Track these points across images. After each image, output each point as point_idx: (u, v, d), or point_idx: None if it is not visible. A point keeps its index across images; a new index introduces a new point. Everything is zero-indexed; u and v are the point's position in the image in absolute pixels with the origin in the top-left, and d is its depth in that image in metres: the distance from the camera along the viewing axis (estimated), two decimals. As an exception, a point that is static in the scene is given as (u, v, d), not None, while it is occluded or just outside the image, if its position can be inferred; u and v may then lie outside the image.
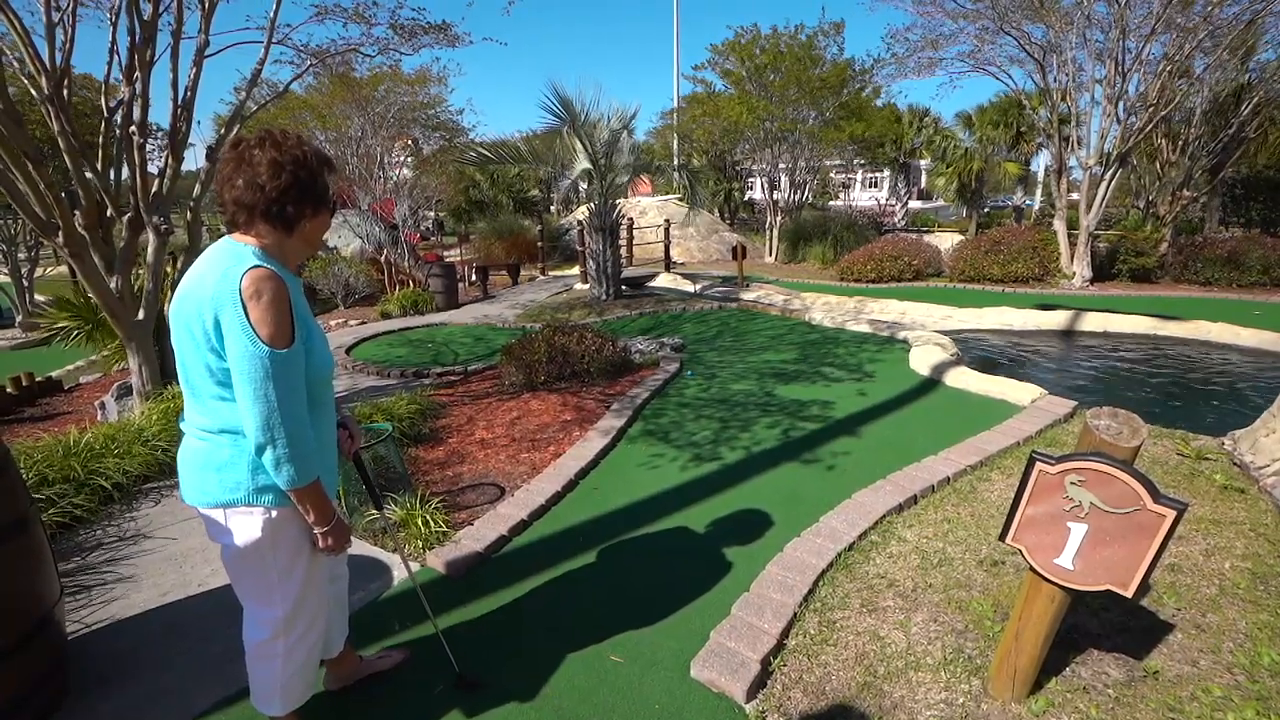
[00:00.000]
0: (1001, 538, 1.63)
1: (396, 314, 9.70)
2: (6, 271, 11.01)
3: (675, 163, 17.28)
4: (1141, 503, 1.35)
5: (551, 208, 25.57)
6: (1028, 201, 24.76)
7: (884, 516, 2.94)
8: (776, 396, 4.95)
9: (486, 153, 9.47)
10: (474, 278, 12.29)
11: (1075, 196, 12.06)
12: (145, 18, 4.11)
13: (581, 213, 12.42)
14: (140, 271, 5.14)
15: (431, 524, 2.89)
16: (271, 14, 5.03)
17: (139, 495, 3.57)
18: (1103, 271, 10.92)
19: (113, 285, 4.56)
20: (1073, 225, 11.16)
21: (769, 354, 6.34)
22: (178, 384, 4.91)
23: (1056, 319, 7.73)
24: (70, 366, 7.99)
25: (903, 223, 22.66)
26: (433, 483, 3.58)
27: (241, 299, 1.31)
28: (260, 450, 1.37)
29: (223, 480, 1.46)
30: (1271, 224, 14.91)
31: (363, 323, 9.21)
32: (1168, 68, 9.74)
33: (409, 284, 11.23)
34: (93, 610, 2.51)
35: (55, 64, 4.28)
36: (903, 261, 11.81)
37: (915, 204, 28.08)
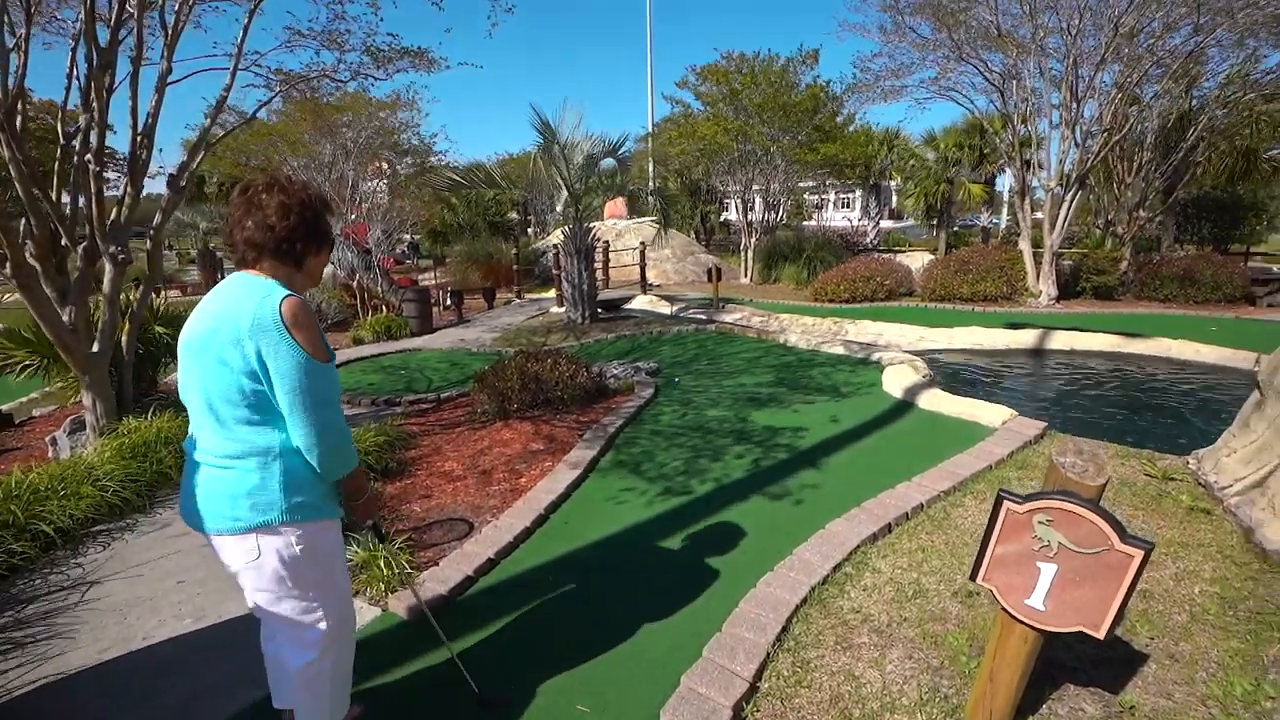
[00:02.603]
0: (972, 577, 1.60)
1: (369, 340, 9.53)
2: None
3: (650, 185, 17.44)
4: (1110, 542, 1.33)
5: (528, 230, 25.58)
6: (994, 221, 25.46)
7: (858, 547, 2.91)
8: (751, 423, 4.92)
9: (459, 178, 9.43)
10: (449, 302, 12.17)
11: (1039, 216, 12.41)
12: (103, 44, 4.02)
13: (557, 236, 12.42)
14: (98, 299, 4.97)
15: (394, 565, 2.77)
16: (239, 41, 4.97)
17: (86, 539, 3.39)
18: (1068, 289, 11.19)
19: (66, 317, 4.39)
20: (1036, 244, 11.46)
21: (744, 377, 6.34)
22: (135, 418, 4.75)
23: (1025, 338, 7.88)
24: (24, 399, 7.67)
25: (875, 242, 23.09)
26: (396, 519, 3.46)
27: (284, 321, 1.44)
28: (311, 451, 1.50)
29: (255, 503, 1.51)
30: (1221, 241, 15.49)
31: (335, 349, 9.02)
32: (1119, 95, 10.14)
33: (383, 309, 11.06)
34: (24, 670, 2.35)
35: (8, 89, 4.17)
36: (875, 282, 11.98)
37: (887, 223, 28.65)
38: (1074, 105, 10.33)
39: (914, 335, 8.56)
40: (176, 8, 4.57)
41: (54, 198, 4.41)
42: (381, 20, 7.41)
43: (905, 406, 5.16)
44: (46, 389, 7.19)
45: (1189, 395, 5.91)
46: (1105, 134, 10.21)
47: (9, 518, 3.21)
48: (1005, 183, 25.38)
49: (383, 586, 2.69)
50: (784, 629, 2.34)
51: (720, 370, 6.73)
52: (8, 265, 4.00)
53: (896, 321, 9.26)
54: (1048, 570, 1.43)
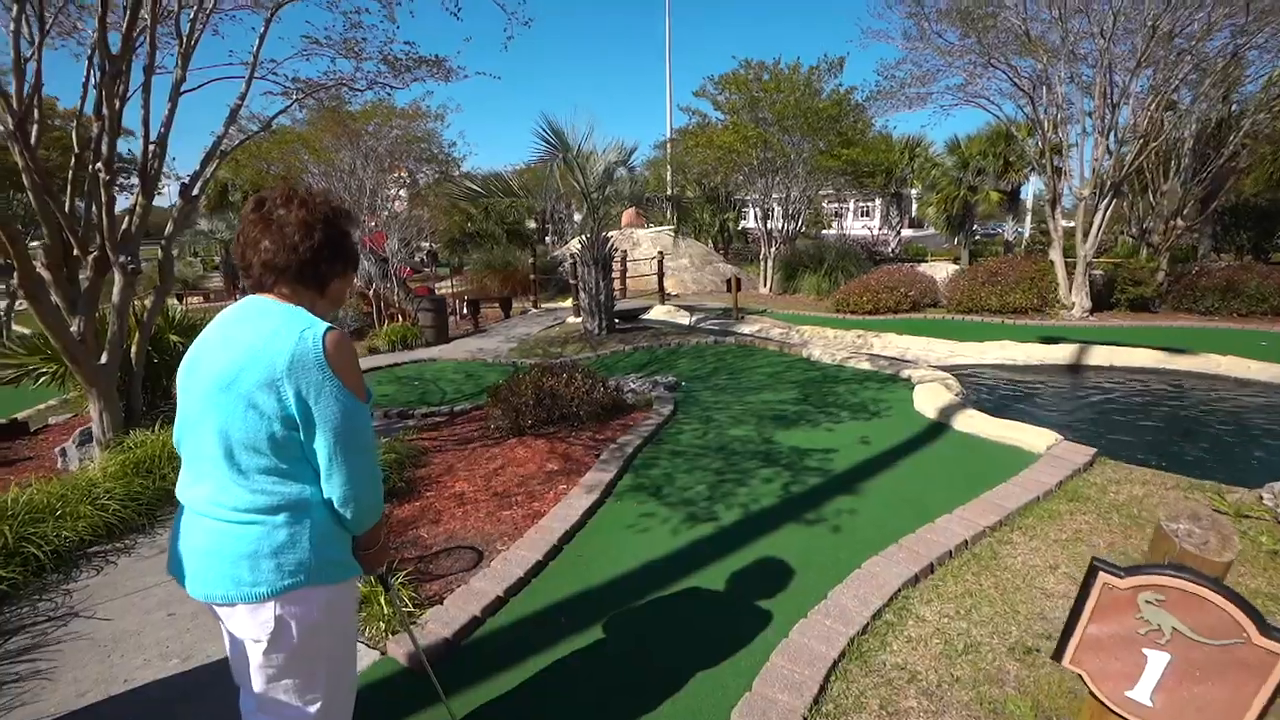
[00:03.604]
0: (1056, 656, 1.36)
1: (385, 349, 9.45)
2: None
3: (668, 193, 17.28)
4: (1244, 634, 1.09)
5: (546, 239, 25.56)
6: (1018, 230, 24.90)
7: (899, 590, 2.66)
8: (776, 444, 4.68)
9: (477, 187, 9.34)
10: (465, 311, 12.08)
11: (1069, 224, 12.02)
12: (115, 51, 3.93)
13: (574, 245, 12.29)
14: (105, 308, 4.90)
15: (395, 603, 2.58)
16: (255, 49, 4.89)
17: (81, 562, 3.25)
18: (1101, 301, 10.78)
19: (75, 327, 4.30)
20: (1068, 254, 11.08)
21: (767, 394, 6.09)
22: (141, 431, 4.64)
23: (1061, 353, 7.54)
24: (41, 406, 7.66)
25: (896, 251, 22.69)
26: (403, 546, 3.28)
27: (328, 360, 1.27)
28: (348, 503, 1.34)
29: (281, 565, 1.30)
30: (1262, 251, 14.92)
31: (348, 359, 8.94)
32: (1155, 100, 9.77)
33: (399, 318, 10.99)
34: None
35: (21, 99, 4.11)
36: (899, 293, 11.67)
37: (907, 232, 28.24)
38: (1108, 111, 9.97)
39: (942, 349, 8.25)
40: (192, 16, 4.49)
41: (67, 206, 4.34)
42: (398, 29, 7.34)
43: (939, 428, 4.88)
44: (64, 396, 7.18)
45: (1247, 417, 5.55)
46: (1141, 140, 9.84)
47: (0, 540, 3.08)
48: (1030, 191, 24.85)
49: (382, 626, 2.50)
50: (821, 688, 2.10)
51: (741, 385, 6.49)
52: (14, 275, 3.91)
53: (923, 335, 8.95)
54: (1158, 659, 1.19)
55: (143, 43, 4.15)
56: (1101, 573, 1.24)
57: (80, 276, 4.42)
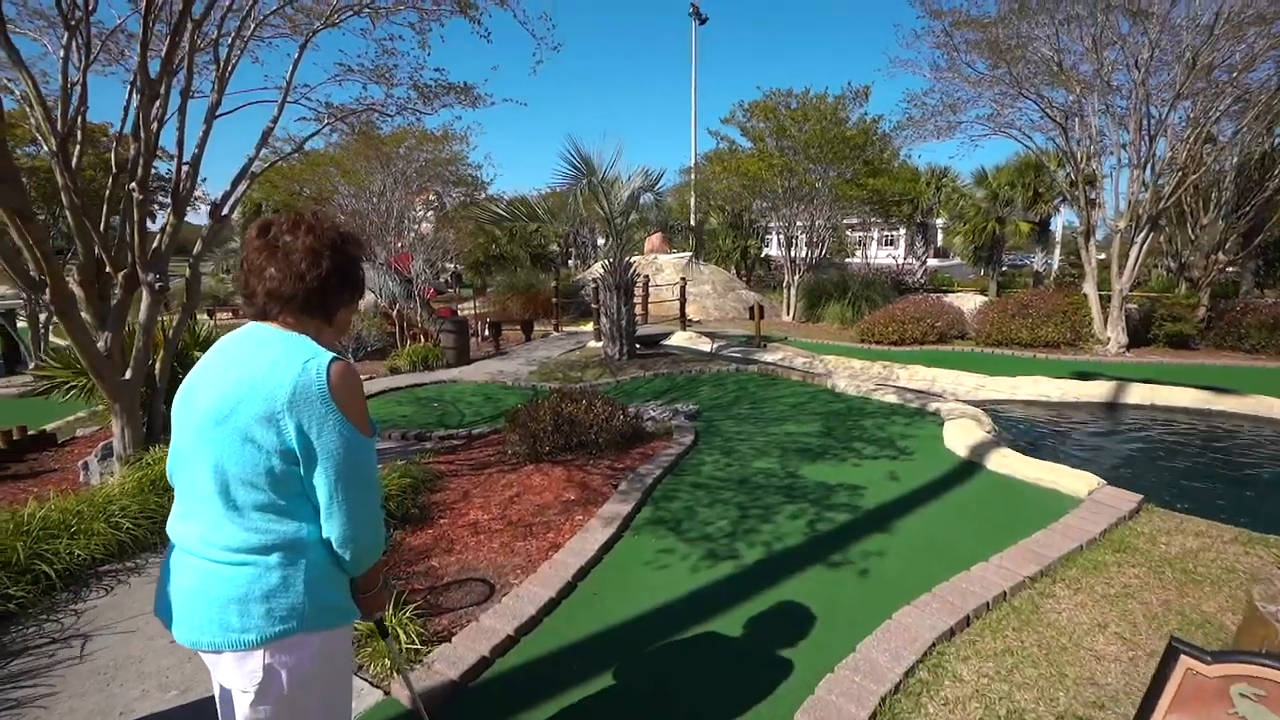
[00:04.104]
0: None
1: (406, 369, 9.48)
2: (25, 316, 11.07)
3: (691, 219, 17.32)
4: (1359, 743, 0.94)
5: (569, 262, 25.76)
6: (1048, 261, 24.46)
7: (933, 645, 2.48)
8: (800, 478, 4.52)
9: (501, 211, 9.43)
10: (486, 333, 12.13)
11: (1103, 257, 11.73)
12: (153, 77, 4.03)
13: (597, 269, 12.32)
14: (133, 323, 4.96)
15: (403, 637, 2.48)
16: (288, 75, 5.00)
17: (92, 580, 3.22)
18: (1138, 337, 10.44)
19: (102, 343, 4.35)
20: (1102, 287, 10.79)
21: (790, 425, 5.93)
22: (162, 447, 4.66)
23: (1098, 390, 7.26)
24: (71, 417, 7.79)
25: (921, 281, 22.42)
26: (413, 576, 3.19)
27: (331, 393, 1.20)
28: (347, 543, 1.26)
29: (272, 610, 1.21)
30: (1308, 288, 14.41)
31: (371, 378, 8.98)
32: (1193, 133, 9.54)
33: (421, 338, 11.06)
34: (-6, 743, 2.12)
35: (67, 121, 4.23)
36: (925, 323, 11.45)
37: (933, 262, 27.93)
38: (1144, 143, 9.76)
39: (971, 383, 8.01)
40: (230, 42, 4.60)
41: (102, 226, 4.42)
42: (429, 55, 7.48)
43: (971, 467, 4.68)
44: (93, 409, 7.29)
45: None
46: (1179, 173, 9.59)
47: (12, 556, 3.05)
48: (1060, 222, 24.47)
49: (387, 663, 2.40)
50: (851, 755, 1.94)
51: (764, 415, 6.34)
52: (46, 290, 3.97)
53: (951, 367, 8.72)
54: (1252, 761, 1.04)
55: (181, 68, 4.25)
56: (1184, 656, 1.10)
57: (110, 293, 4.48)
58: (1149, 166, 9.94)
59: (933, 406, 6.37)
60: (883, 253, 34.26)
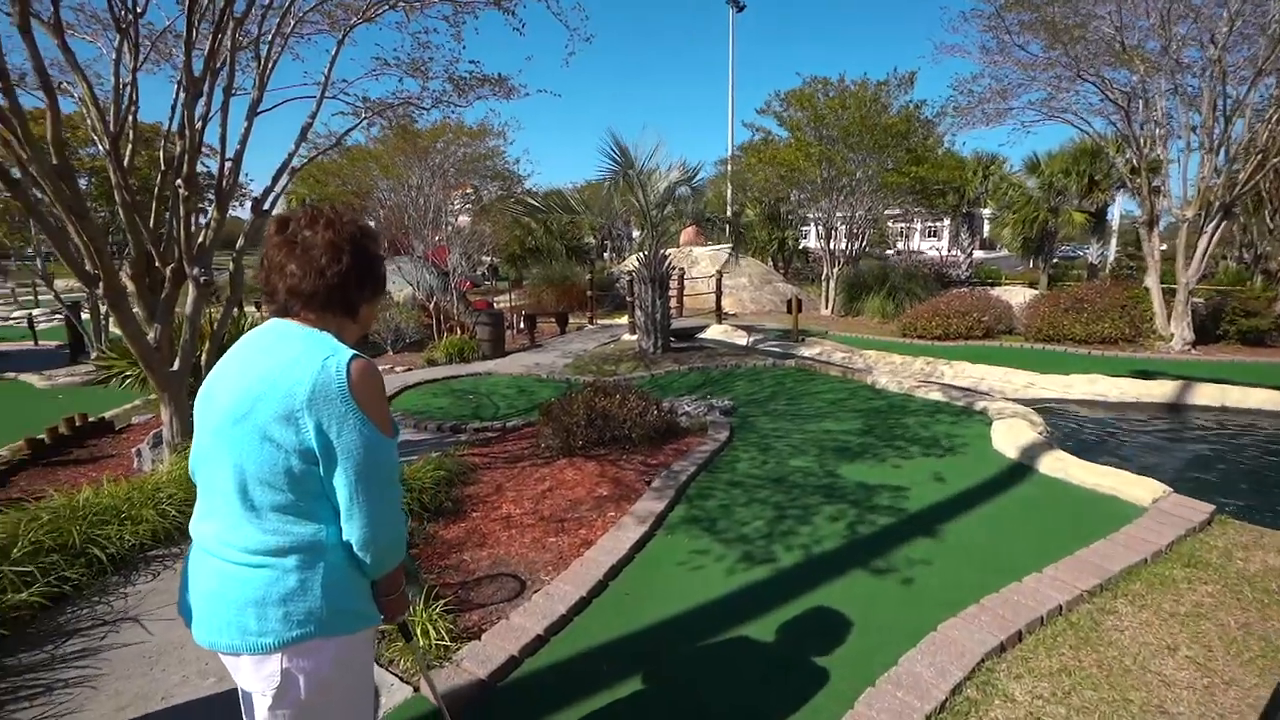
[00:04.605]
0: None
1: (442, 361, 9.61)
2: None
3: (728, 211, 17.07)
4: None
5: (604, 255, 25.77)
6: (1103, 253, 23.33)
7: (982, 661, 2.34)
8: (840, 478, 4.38)
9: (537, 204, 9.43)
10: (522, 325, 12.20)
11: (1165, 248, 11.08)
12: (196, 74, 4.11)
13: (632, 262, 12.25)
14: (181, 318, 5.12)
15: (432, 633, 2.47)
16: (326, 70, 5.05)
17: (140, 565, 3.32)
18: (1205, 333, 9.83)
19: (151, 335, 4.49)
20: (1165, 279, 10.19)
21: (829, 422, 5.77)
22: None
23: (1161, 390, 6.84)
24: (127, 405, 8.15)
25: (967, 274, 21.66)
26: (445, 570, 3.19)
27: (351, 391, 1.18)
28: (368, 545, 1.23)
29: (289, 614, 1.19)
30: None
31: (409, 369, 9.13)
32: (1277, 112, 8.87)
33: (457, 331, 11.19)
34: (42, 724, 2.19)
35: (119, 120, 4.36)
36: (971, 318, 11.03)
37: (978, 254, 26.99)
38: (1218, 125, 9.14)
39: (1020, 380, 7.67)
40: (270, 39, 4.67)
41: (151, 222, 4.56)
42: (464, 48, 7.49)
43: (1022, 470, 4.45)
44: (148, 397, 7.60)
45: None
46: (1259, 156, 8.94)
47: (68, 539, 3.17)
48: (1116, 212, 23.29)
49: (422, 656, 2.38)
50: (894, 777, 1.84)
51: (802, 412, 6.18)
52: (100, 284, 4.11)
53: (999, 364, 8.36)
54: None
55: (224, 66, 4.34)
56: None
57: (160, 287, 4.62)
58: (1223, 150, 9.31)
59: (979, 405, 6.10)
60: (926, 244, 33.25)
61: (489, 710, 2.21)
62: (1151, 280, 10.20)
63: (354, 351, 1.23)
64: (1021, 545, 3.31)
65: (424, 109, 6.14)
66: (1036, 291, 14.76)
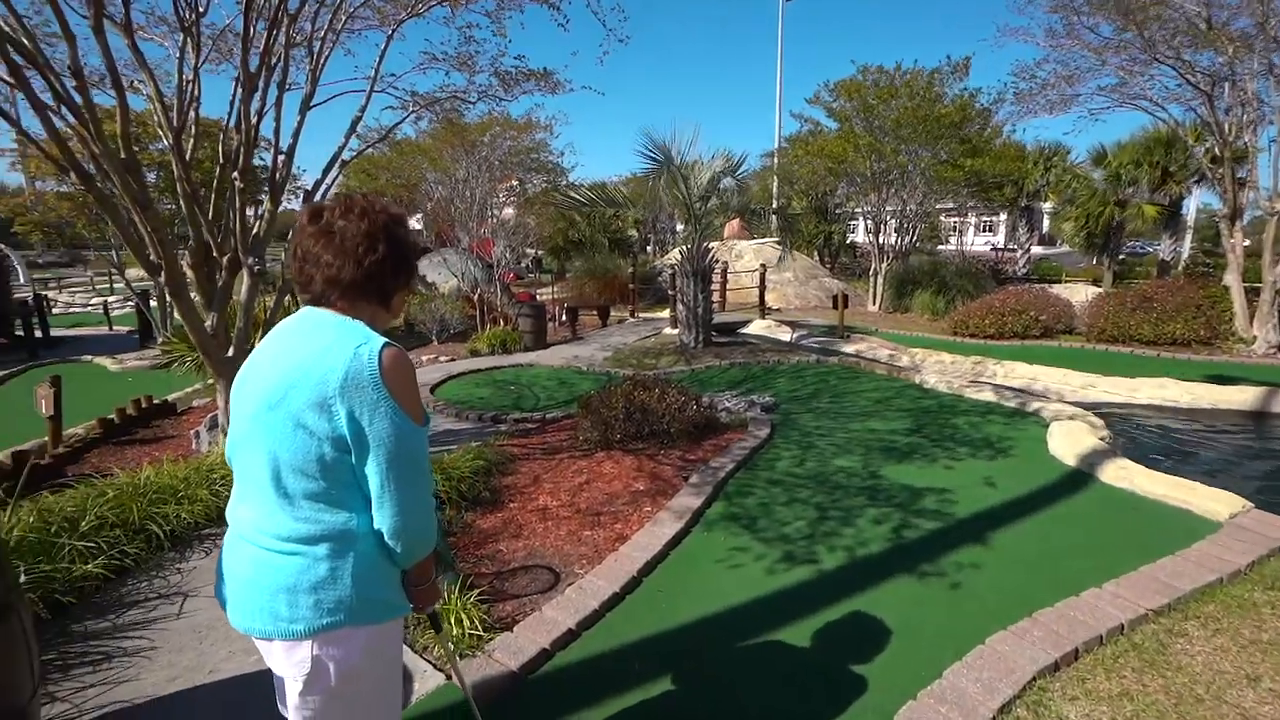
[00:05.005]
0: None
1: (485, 352, 9.74)
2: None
3: (773, 204, 16.76)
4: None
5: (647, 248, 25.70)
6: (1176, 248, 21.97)
7: (1034, 679, 2.21)
8: (885, 479, 4.23)
9: (579, 198, 9.44)
10: (564, 318, 12.27)
11: (1248, 244, 10.30)
12: (251, 70, 4.24)
13: (675, 255, 12.17)
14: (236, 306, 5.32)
15: (465, 622, 2.49)
16: (375, 64, 5.15)
17: (195, 542, 3.46)
18: (1292, 336, 9.12)
19: (209, 322, 4.68)
20: (1248, 277, 9.49)
21: (874, 421, 5.59)
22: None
23: (1241, 396, 6.38)
24: (189, 389, 8.57)
25: (1024, 270, 20.71)
26: (480, 559, 3.22)
27: (383, 379, 1.18)
28: (398, 534, 1.23)
29: (320, 602, 1.20)
30: None
31: (452, 359, 9.30)
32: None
33: (500, 322, 11.34)
34: (100, 690, 2.30)
35: (181, 116, 4.54)
36: (1028, 316, 10.54)
37: (1037, 249, 25.78)
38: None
39: (1080, 383, 7.27)
40: (323, 35, 4.78)
41: (210, 213, 4.74)
42: (510, 43, 7.54)
43: (1081, 478, 4.21)
44: (207, 381, 7.97)
45: None
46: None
47: (129, 516, 3.33)
48: (1192, 205, 21.84)
49: (450, 647, 2.41)
50: (936, 797, 1.75)
51: (846, 410, 6.02)
52: (162, 273, 4.30)
53: (1057, 365, 7.96)
54: None
55: (279, 63, 4.46)
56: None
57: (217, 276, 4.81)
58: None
59: (1034, 406, 5.81)
60: (980, 239, 32.00)
61: (519, 702, 2.21)
62: (1232, 278, 9.52)
63: (385, 339, 1.23)
64: (1079, 557, 3.13)
65: (470, 103, 6.20)
66: (1100, 289, 14.01)
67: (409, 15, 5.04)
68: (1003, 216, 26.49)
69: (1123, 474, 4.06)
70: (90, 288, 22.98)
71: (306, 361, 1.19)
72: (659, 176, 8.73)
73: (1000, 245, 23.82)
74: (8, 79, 3.58)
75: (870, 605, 2.77)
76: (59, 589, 2.77)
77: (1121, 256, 21.35)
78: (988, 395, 6.34)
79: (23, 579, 2.66)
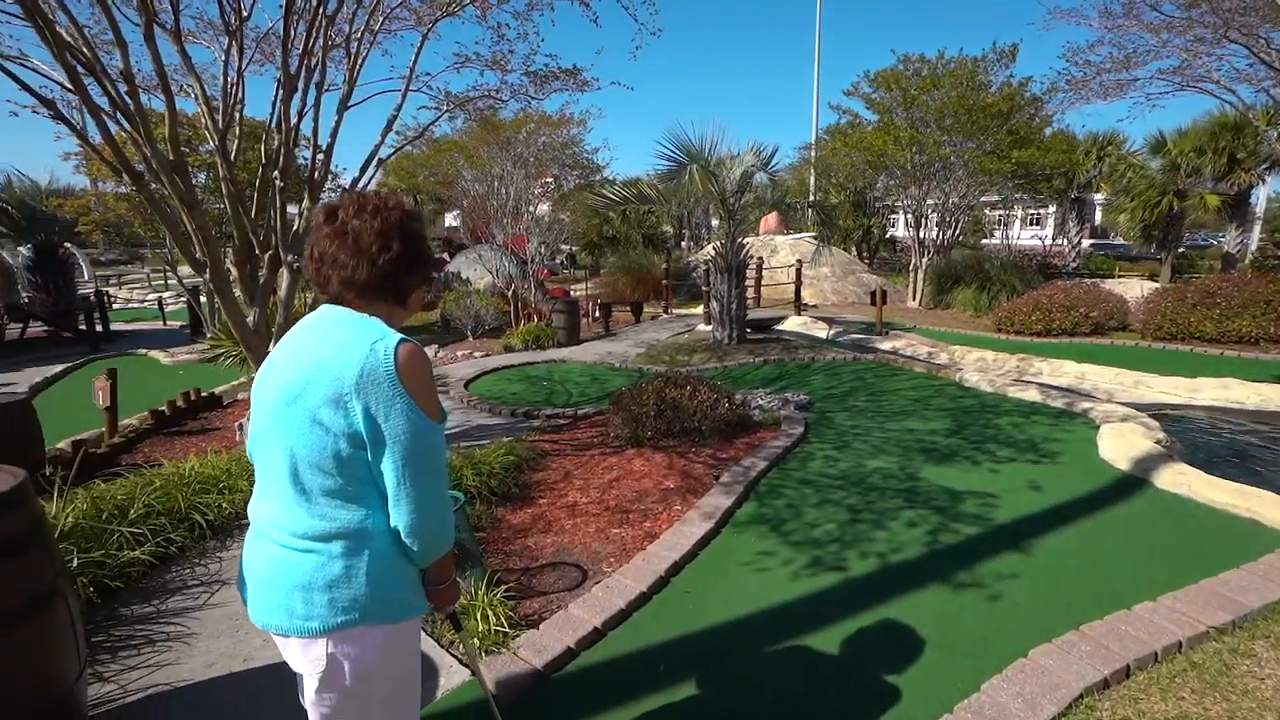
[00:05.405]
0: None
1: (519, 348, 9.83)
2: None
3: (810, 199, 16.44)
4: None
5: (681, 244, 25.58)
6: (1243, 240, 20.74)
7: (1081, 696, 2.10)
8: (922, 481, 4.10)
9: (614, 195, 9.43)
10: (597, 314, 12.30)
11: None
12: (291, 71, 4.34)
13: (709, 251, 12.06)
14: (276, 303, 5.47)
15: (491, 619, 2.49)
16: (411, 64, 5.22)
17: (235, 532, 3.57)
18: (1372, 334, 8.51)
19: (251, 317, 4.82)
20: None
21: (912, 421, 5.42)
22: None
23: (1311, 399, 5.98)
24: (234, 382, 8.88)
25: (1074, 265, 19.86)
26: (509, 555, 3.23)
27: (399, 375, 1.18)
28: (414, 533, 1.22)
29: (334, 600, 1.21)
30: None
31: (487, 355, 9.41)
32: None
33: (534, 318, 11.43)
34: (143, 673, 2.38)
35: (226, 117, 4.68)
36: (1078, 312, 10.11)
37: (1087, 243, 24.73)
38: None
39: (1132, 381, 6.94)
40: (360, 36, 4.86)
41: (253, 211, 4.88)
42: (543, 41, 7.54)
43: (1134, 483, 4.00)
44: (251, 375, 8.24)
45: None
46: None
47: (174, 505, 3.45)
48: (1263, 194, 20.61)
49: (476, 643, 2.42)
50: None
51: (883, 409, 5.86)
52: (207, 270, 4.44)
53: (1108, 364, 7.61)
54: None
55: (317, 64, 4.55)
56: None
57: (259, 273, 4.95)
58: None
59: (1084, 407, 5.55)
60: (1027, 233, 30.85)
61: (543, 702, 2.20)
62: (1304, 272, 8.93)
63: (401, 335, 1.23)
64: (1130, 568, 2.96)
65: (502, 102, 6.24)
66: (1157, 284, 13.35)
67: (443, 15, 5.09)
68: (1051, 209, 25.44)
69: (1180, 480, 3.84)
70: (147, 284, 24.05)
71: (323, 357, 1.19)
72: (677, 175, 8.58)
73: (1049, 239, 22.86)
74: (68, 85, 3.75)
75: (905, 613, 2.67)
76: (108, 574, 2.89)
77: (1181, 250, 20.29)
78: (1033, 394, 6.08)
79: (75, 564, 2.78)
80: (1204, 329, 8.95)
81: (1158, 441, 4.61)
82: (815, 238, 13.57)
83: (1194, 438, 5.41)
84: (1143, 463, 4.15)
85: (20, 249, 12.00)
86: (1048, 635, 2.41)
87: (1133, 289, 12.07)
